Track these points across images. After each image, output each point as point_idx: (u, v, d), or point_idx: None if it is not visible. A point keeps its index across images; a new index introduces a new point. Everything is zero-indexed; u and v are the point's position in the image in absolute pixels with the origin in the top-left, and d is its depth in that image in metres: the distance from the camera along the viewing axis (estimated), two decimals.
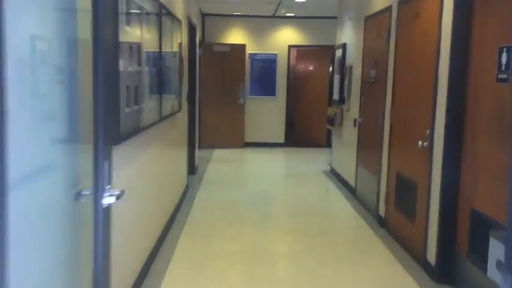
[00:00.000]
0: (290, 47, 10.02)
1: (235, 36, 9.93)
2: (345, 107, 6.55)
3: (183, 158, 5.79)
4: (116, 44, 2.31)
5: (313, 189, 6.51)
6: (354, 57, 6.12)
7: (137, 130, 2.85)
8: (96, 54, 1.71)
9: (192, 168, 6.94)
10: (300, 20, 9.89)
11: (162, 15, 3.66)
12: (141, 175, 3.20)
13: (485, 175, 3.00)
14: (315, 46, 10.09)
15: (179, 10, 4.89)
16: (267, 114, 10.10)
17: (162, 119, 3.76)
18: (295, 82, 10.79)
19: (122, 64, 2.47)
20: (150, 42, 3.28)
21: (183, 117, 5.50)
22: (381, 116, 4.78)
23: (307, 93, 10.48)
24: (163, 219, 4.19)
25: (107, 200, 1.78)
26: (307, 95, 10.49)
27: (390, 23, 4.65)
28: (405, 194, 4.12)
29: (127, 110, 2.59)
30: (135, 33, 2.84)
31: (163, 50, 3.75)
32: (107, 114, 1.88)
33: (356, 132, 5.82)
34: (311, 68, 10.49)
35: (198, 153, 8.69)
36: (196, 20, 7.07)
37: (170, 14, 4.04)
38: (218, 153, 9.26)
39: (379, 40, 5.01)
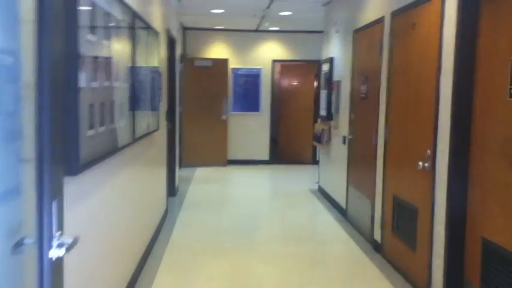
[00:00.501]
0: (274, 61, 9.75)
1: (218, 51, 9.62)
2: (333, 123, 6.25)
3: (162, 180, 5.38)
4: (75, 57, 1.93)
5: (302, 211, 6.15)
6: (342, 71, 5.85)
7: (105, 154, 2.47)
8: (41, 68, 1.35)
9: (172, 190, 6.53)
10: (284, 34, 9.64)
11: (136, 25, 3.30)
12: (108, 206, 2.80)
13: (497, 200, 2.69)
14: (299, 61, 9.84)
15: (157, 22, 4.54)
16: (250, 131, 9.76)
17: (136, 139, 3.37)
18: (279, 97, 10.50)
19: (84, 79, 2.10)
20: (122, 55, 2.92)
21: (161, 135, 5.11)
22: (374, 134, 4.48)
23: (292, 109, 10.19)
24: (138, 253, 3.77)
25: (55, 252, 1.39)
26: (292, 111, 10.20)
27: (382, 35, 4.38)
28: (404, 218, 3.79)
29: (90, 132, 2.20)
30: (102, 45, 2.47)
31: (137, 63, 3.38)
32: (63, 138, 1.51)
33: (346, 150, 5.50)
34: (296, 83, 10.23)
35: (179, 172, 8.28)
36: (176, 34, 6.73)
37: (146, 25, 3.68)
38: (200, 172, 8.85)
39: (371, 54, 4.74)
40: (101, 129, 2.41)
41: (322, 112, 6.75)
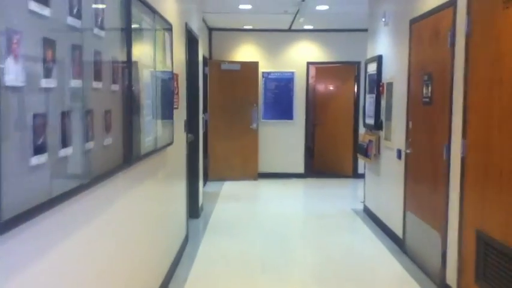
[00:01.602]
0: (309, 64, 8.83)
1: (247, 53, 8.78)
2: (382, 133, 5.27)
3: (181, 202, 4.54)
4: None
5: (346, 238, 5.16)
6: (395, 71, 4.88)
7: (65, 194, 1.63)
8: None
9: (194, 211, 5.69)
10: (319, 33, 8.72)
11: (135, 8, 2.48)
12: (92, 254, 1.96)
13: None
14: (337, 63, 8.88)
15: (170, 12, 3.72)
16: (283, 141, 8.85)
17: (135, 160, 2.53)
18: (315, 104, 9.57)
19: (20, 73, 1.26)
20: (109, 45, 2.09)
21: (178, 149, 4.28)
22: (445, 149, 3.49)
23: (330, 116, 9.23)
24: None
25: None
26: (329, 119, 9.23)
27: (455, 21, 3.41)
28: (497, 265, 2.79)
29: (36, 160, 1.36)
30: (58, 21, 1.64)
31: (138, 60, 2.56)
32: None
33: (402, 167, 4.52)
34: (333, 88, 9.26)
35: (204, 188, 7.47)
36: (199, 32, 5.92)
37: (151, 11, 2.85)
38: (228, 186, 8.00)
39: (436, 46, 3.77)
40: (64, 152, 1.57)
41: (368, 120, 5.78)
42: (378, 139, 5.39)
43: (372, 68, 5.65)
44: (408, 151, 4.33)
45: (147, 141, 2.84)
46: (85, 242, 1.90)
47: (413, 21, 4.32)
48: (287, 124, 8.85)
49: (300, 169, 8.89)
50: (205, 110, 8.41)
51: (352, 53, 8.67)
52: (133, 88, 2.41)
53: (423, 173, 4.02)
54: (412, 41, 4.36)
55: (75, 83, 1.68)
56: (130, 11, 2.36)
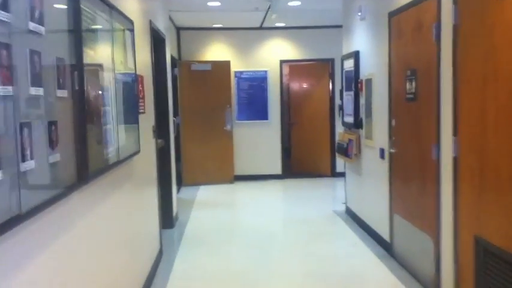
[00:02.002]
0: (282, 62, 8.57)
1: (218, 53, 8.45)
2: (362, 132, 5.05)
3: (153, 212, 4.20)
4: None
5: (330, 245, 4.85)
6: (374, 67, 4.65)
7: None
8: None
9: (168, 221, 5.34)
10: (292, 30, 8.47)
11: (87, 3, 2.13)
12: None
13: None
14: (310, 60, 8.65)
15: (129, 5, 3.37)
16: (259, 142, 8.57)
17: (95, 176, 2.19)
18: (290, 103, 9.32)
19: None
20: (51, 44, 1.75)
21: (147, 157, 3.93)
22: (435, 149, 3.27)
23: (305, 115, 9.00)
24: None
25: None
26: (305, 118, 9.00)
27: (440, 12, 3.18)
28: (498, 272, 2.57)
29: None
30: None
31: (92, 61, 2.21)
32: None
33: (386, 167, 4.30)
34: (308, 86, 9.03)
35: (179, 195, 7.12)
36: (166, 33, 5.57)
37: (105, 3, 2.51)
38: (204, 191, 7.66)
39: (419, 41, 3.54)
40: None
41: (347, 118, 5.55)
42: (358, 138, 5.17)
43: (349, 64, 5.42)
44: (392, 150, 4.11)
45: (108, 152, 2.50)
46: (39, 272, 1.56)
47: (392, 14, 4.09)
48: (262, 124, 8.57)
49: (278, 170, 8.63)
50: (176, 113, 8.05)
51: (326, 50, 8.46)
52: (86, 94, 2.07)
53: (410, 173, 3.80)
54: (392, 35, 4.13)
55: (4, 91, 1.34)
56: (79, 5, 2.02)
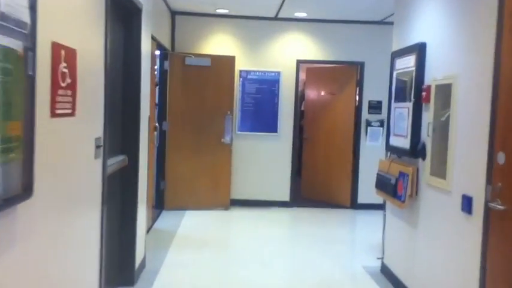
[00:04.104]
0: (299, 62, 6.92)
1: (220, 45, 6.81)
2: (424, 164, 3.37)
3: (89, 266, 2.51)
4: None
5: None
6: (458, 66, 2.98)
7: None
8: None
9: (127, 274, 3.64)
10: (314, 24, 6.83)
11: None
12: None
13: None
14: (334, 62, 7.01)
15: None
16: (264, 159, 6.89)
17: None
18: (306, 113, 7.65)
19: None
20: None
21: (68, 193, 2.25)
22: None
23: (322, 129, 7.33)
24: None
25: None
26: (321, 132, 7.34)
27: None
28: None
29: None
30: None
31: None
32: None
33: (476, 228, 2.61)
34: (327, 94, 7.36)
35: (156, 223, 5.45)
36: (147, 2, 3.94)
37: None
38: (190, 219, 5.98)
39: None
40: None
41: (396, 141, 3.87)
42: (416, 172, 3.48)
43: (405, 63, 3.76)
44: (495, 205, 2.42)
45: None
46: None
47: None
48: (270, 138, 6.90)
49: (285, 196, 6.94)
50: (163, 118, 6.40)
51: (355, 50, 6.83)
52: None
53: None
54: (505, 16, 2.47)
55: None
56: None
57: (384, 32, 6.72)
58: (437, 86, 3.23)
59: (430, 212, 3.29)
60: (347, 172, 6.98)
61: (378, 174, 4.13)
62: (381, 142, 6.82)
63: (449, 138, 3.00)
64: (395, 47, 4.14)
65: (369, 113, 6.86)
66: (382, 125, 6.82)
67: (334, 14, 6.43)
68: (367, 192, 6.89)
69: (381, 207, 6.86)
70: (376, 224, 6.30)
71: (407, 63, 3.70)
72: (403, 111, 3.73)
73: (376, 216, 6.60)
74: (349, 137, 6.98)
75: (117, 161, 3.10)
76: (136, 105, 3.54)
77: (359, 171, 6.90)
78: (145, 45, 3.87)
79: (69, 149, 2.10)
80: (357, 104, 6.94)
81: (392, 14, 6.15)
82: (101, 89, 2.57)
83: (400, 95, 3.83)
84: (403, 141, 3.69)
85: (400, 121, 3.78)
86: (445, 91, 3.10)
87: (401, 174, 3.61)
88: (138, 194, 3.67)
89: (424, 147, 3.38)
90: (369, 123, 6.83)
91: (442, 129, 3.13)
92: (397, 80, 3.93)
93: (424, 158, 3.38)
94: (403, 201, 3.52)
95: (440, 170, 3.12)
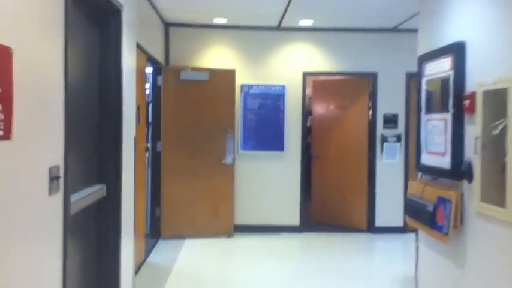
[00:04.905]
0: (306, 75, 6.33)
1: (219, 58, 6.24)
2: (472, 188, 2.73)
3: None
4: None
5: None
6: None
7: None
8: None
9: None
10: (321, 33, 6.27)
11: None
12: None
13: None
14: (344, 74, 6.42)
15: None
16: (270, 180, 6.26)
17: None
18: (313, 129, 7.04)
19: None
20: None
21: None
22: None
23: (332, 146, 6.71)
24: None
25: None
26: (332, 149, 6.72)
27: None
28: None
29: None
30: None
31: None
32: None
33: None
34: (337, 108, 6.75)
35: (151, 256, 4.81)
36: (127, 3, 3.37)
37: None
38: (189, 250, 5.33)
39: None
40: None
41: (429, 159, 3.23)
42: (461, 198, 2.85)
43: (438, 68, 3.16)
44: None
45: None
46: None
47: None
48: (276, 157, 6.27)
49: (294, 220, 6.28)
50: (158, 137, 5.80)
51: (367, 60, 6.26)
52: None
53: None
54: None
55: None
56: None
57: (397, 40, 6.19)
58: (485, 92, 2.61)
59: (482, 248, 2.64)
60: (362, 192, 6.34)
61: (408, 199, 3.49)
62: (399, 159, 6.22)
63: (509, 155, 2.37)
64: (423, 49, 3.54)
65: (384, 127, 6.24)
66: (399, 140, 6.20)
67: (342, 21, 5.88)
68: (386, 214, 6.25)
69: (401, 230, 6.22)
70: (398, 252, 5.63)
71: (442, 67, 3.09)
72: (438, 124, 3.11)
73: (396, 241, 5.94)
74: (362, 154, 6.35)
75: (88, 193, 2.47)
76: (117, 125, 2.93)
77: (375, 191, 6.25)
78: (129, 56, 3.29)
79: (14, 180, 1.49)
80: (370, 118, 6.32)
81: (406, 20, 5.61)
82: (59, 105, 1.97)
83: (433, 105, 3.22)
84: (440, 160, 3.06)
85: (435, 136, 3.15)
86: (497, 98, 2.49)
87: (441, 200, 2.97)
88: (120, 228, 3.03)
89: (470, 167, 2.75)
90: (384, 139, 6.20)
91: (496, 145, 2.50)
92: (428, 87, 3.32)
93: (470, 181, 2.75)
94: (446, 234, 2.87)
95: (495, 195, 2.48)
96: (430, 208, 3.06)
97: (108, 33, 2.94)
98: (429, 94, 3.30)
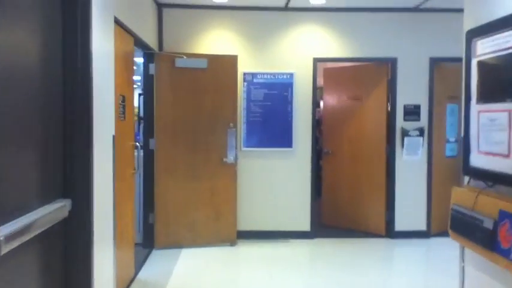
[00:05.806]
0: (316, 61, 5.63)
1: (219, 43, 5.54)
2: None
3: None
4: None
5: None
6: None
7: None
8: None
9: None
10: (333, 14, 5.56)
11: None
12: None
13: None
14: (360, 60, 5.72)
15: None
16: (278, 180, 5.59)
17: None
18: (326, 123, 6.35)
19: None
20: None
21: None
22: None
23: (346, 141, 6.04)
24: None
25: None
26: (345, 145, 6.04)
27: None
28: None
29: None
30: None
31: None
32: None
33: None
34: (351, 98, 6.06)
35: (142, 269, 4.16)
36: None
37: None
38: (186, 262, 4.68)
39: None
40: None
41: (486, 162, 2.55)
42: None
43: (498, 44, 2.46)
44: None
45: None
46: None
47: None
48: (283, 155, 5.60)
49: (304, 225, 5.62)
50: (151, 135, 5.14)
51: (385, 45, 5.57)
52: None
53: None
54: None
55: None
56: None
57: (419, 21, 5.51)
58: None
59: None
60: (380, 192, 5.67)
61: (454, 210, 2.80)
62: (421, 155, 5.54)
63: None
64: (472, 23, 2.83)
65: (405, 120, 5.55)
66: (421, 134, 5.52)
67: (358, 0, 5.18)
68: (407, 216, 5.59)
69: (425, 235, 5.53)
70: (423, 261, 4.97)
71: (504, 42, 2.40)
72: (499, 117, 2.42)
73: (420, 247, 5.28)
74: (380, 149, 5.67)
75: (44, 214, 1.80)
76: (84, 123, 2.25)
77: (395, 191, 5.58)
78: (103, 36, 2.60)
79: None
80: (389, 109, 5.63)
81: None
82: None
83: (491, 92, 2.53)
84: (501, 163, 2.38)
85: (494, 132, 2.46)
86: None
87: (505, 215, 2.29)
88: (90, 250, 2.36)
89: None
90: (405, 133, 5.52)
91: None
92: (484, 69, 2.62)
93: None
94: (505, 255, 2.19)
95: None
96: (489, 225, 2.38)
97: (72, 4, 2.25)
98: (484, 78, 2.61)
